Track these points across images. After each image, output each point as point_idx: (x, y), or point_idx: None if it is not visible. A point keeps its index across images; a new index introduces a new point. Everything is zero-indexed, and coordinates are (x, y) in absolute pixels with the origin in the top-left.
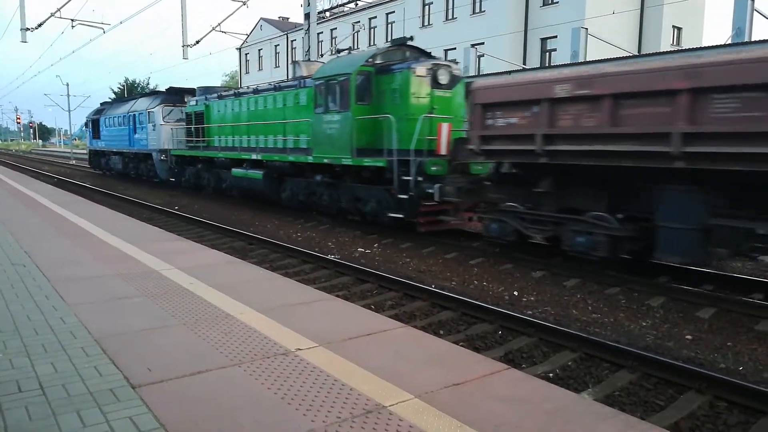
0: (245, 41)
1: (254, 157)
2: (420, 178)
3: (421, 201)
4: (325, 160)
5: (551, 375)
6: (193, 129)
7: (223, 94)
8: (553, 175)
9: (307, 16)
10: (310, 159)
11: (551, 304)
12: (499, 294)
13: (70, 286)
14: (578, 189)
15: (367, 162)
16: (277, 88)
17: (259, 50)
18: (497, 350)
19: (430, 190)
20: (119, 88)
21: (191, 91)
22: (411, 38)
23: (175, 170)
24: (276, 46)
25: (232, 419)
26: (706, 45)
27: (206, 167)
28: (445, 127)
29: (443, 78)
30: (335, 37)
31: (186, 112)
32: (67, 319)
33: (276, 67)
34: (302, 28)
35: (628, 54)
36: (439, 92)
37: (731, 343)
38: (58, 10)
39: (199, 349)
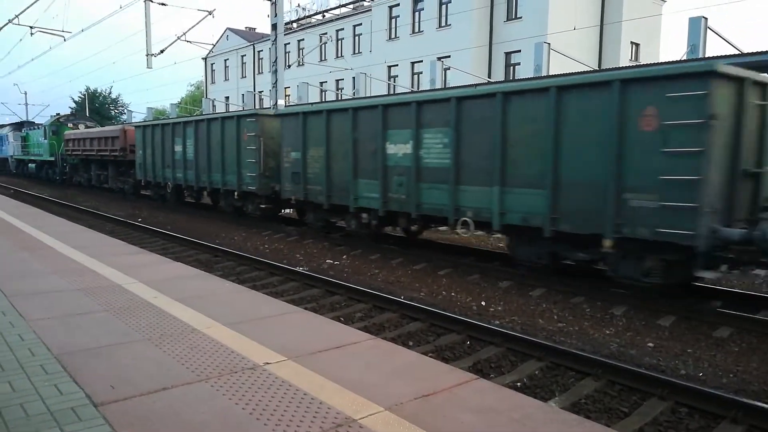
0: (211, 51)
1: (32, 158)
2: (65, 164)
3: (65, 171)
4: (45, 158)
5: (519, 384)
6: (22, 144)
7: (32, 128)
8: (82, 162)
9: (274, 26)
10: (43, 158)
11: (518, 313)
12: (467, 304)
13: (28, 302)
14: (89, 167)
15: (50, 158)
16: (39, 127)
17: (225, 60)
18: (466, 360)
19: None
20: (80, 97)
21: (26, 124)
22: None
23: (16, 167)
24: (242, 56)
25: None
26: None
27: (25, 164)
28: None
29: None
30: (302, 48)
31: (21, 136)
32: (25, 336)
33: (243, 77)
34: (269, 39)
35: (589, 69)
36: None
37: (691, 349)
38: (16, 16)
39: (164, 365)
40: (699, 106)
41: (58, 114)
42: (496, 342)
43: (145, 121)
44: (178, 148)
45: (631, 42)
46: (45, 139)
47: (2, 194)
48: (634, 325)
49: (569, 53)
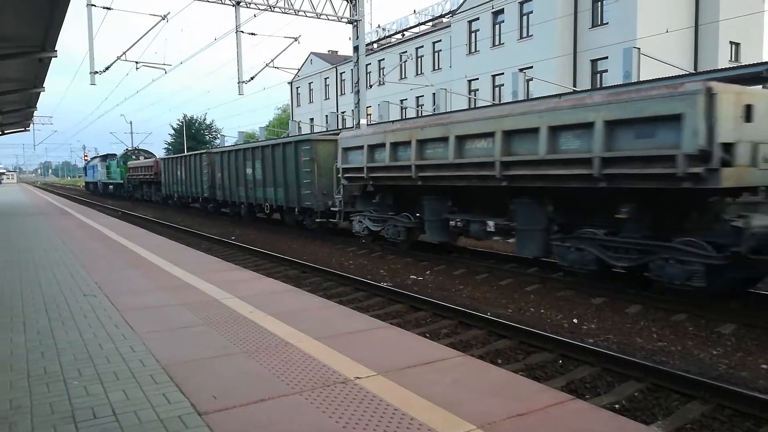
0: (296, 75)
1: (111, 182)
2: (129, 185)
3: (129, 190)
4: (117, 181)
5: (617, 406)
6: (106, 171)
7: (113, 159)
8: (138, 183)
9: (355, 48)
10: (116, 181)
11: (613, 331)
12: (558, 322)
13: (137, 316)
14: (142, 186)
15: (120, 181)
16: (115, 158)
17: (310, 83)
18: (558, 380)
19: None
20: (178, 124)
21: (108, 156)
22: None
23: (102, 188)
24: (326, 78)
25: None
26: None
27: (107, 186)
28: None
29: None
30: (383, 68)
31: (105, 165)
32: (136, 348)
33: (326, 99)
34: (351, 61)
35: (684, 72)
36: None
37: None
38: (124, 53)
39: (261, 377)
40: (310, 153)
41: (126, 148)
42: (590, 361)
43: (165, 156)
44: (179, 172)
45: (731, 42)
46: (118, 167)
47: (111, 216)
48: (744, 344)
49: (661, 57)
